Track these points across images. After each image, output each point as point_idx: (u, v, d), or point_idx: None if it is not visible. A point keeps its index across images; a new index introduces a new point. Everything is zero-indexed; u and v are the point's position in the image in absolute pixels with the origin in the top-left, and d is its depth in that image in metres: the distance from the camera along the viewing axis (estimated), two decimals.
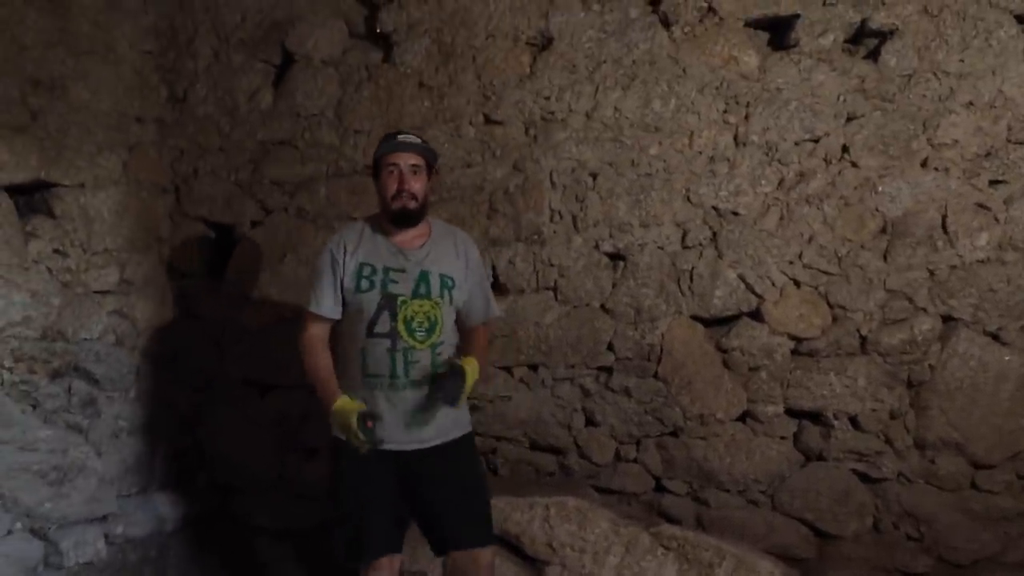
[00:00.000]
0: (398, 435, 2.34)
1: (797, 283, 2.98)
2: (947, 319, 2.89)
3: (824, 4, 2.92)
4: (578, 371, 3.17)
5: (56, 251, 3.14)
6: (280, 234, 3.53)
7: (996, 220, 2.83)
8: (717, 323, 3.09)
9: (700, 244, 3.06)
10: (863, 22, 2.90)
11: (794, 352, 3.00)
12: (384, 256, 2.39)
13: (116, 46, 3.41)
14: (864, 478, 2.96)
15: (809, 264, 2.96)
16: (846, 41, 2.96)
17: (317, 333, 2.44)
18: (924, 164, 2.87)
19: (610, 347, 3.15)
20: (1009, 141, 2.81)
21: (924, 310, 2.89)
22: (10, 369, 2.95)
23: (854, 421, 2.95)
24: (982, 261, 2.84)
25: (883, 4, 2.86)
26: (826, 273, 2.95)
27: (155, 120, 3.61)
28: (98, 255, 3.30)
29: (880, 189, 2.90)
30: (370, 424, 2.22)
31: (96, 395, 3.27)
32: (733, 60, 3.00)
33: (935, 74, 2.84)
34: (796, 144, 2.96)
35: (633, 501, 3.15)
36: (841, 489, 2.95)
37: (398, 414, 2.33)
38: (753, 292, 3.01)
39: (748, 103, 2.99)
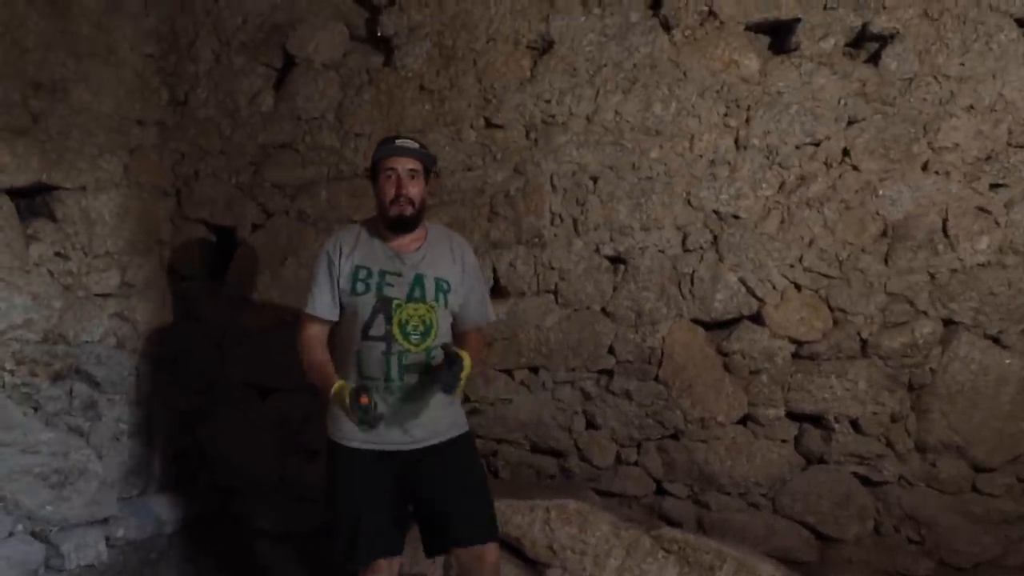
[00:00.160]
0: (394, 436, 2.34)
1: (798, 286, 2.98)
2: (948, 322, 2.89)
3: (825, 8, 2.92)
4: (579, 374, 3.18)
5: (57, 254, 3.15)
6: (281, 237, 3.53)
7: (997, 224, 2.83)
8: (718, 326, 3.09)
9: (701, 247, 3.06)
10: (864, 26, 2.90)
11: (795, 355, 3.00)
12: (380, 259, 2.38)
13: (117, 49, 3.42)
14: (865, 481, 2.96)
15: (810, 267, 2.96)
16: (847, 45, 2.96)
17: (315, 333, 2.43)
18: (925, 168, 2.87)
19: (611, 350, 3.15)
20: (1010, 145, 2.82)
21: (925, 313, 2.89)
22: (11, 372, 2.96)
23: (855, 424, 2.95)
24: (983, 265, 2.84)
25: (884, 8, 2.86)
26: (827, 276, 2.96)
27: (156, 123, 3.62)
28: (99, 258, 3.30)
29: (881, 193, 2.90)
30: (363, 400, 2.15)
31: (97, 398, 3.28)
32: (734, 64, 3.01)
33: (936, 78, 2.84)
34: (797, 148, 2.96)
35: (634, 504, 3.15)
36: (842, 492, 2.96)
37: (393, 415, 2.32)
38: (754, 295, 3.01)
39: (749, 107, 2.99)
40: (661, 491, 3.16)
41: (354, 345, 2.36)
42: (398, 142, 2.41)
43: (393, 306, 2.33)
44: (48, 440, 3.01)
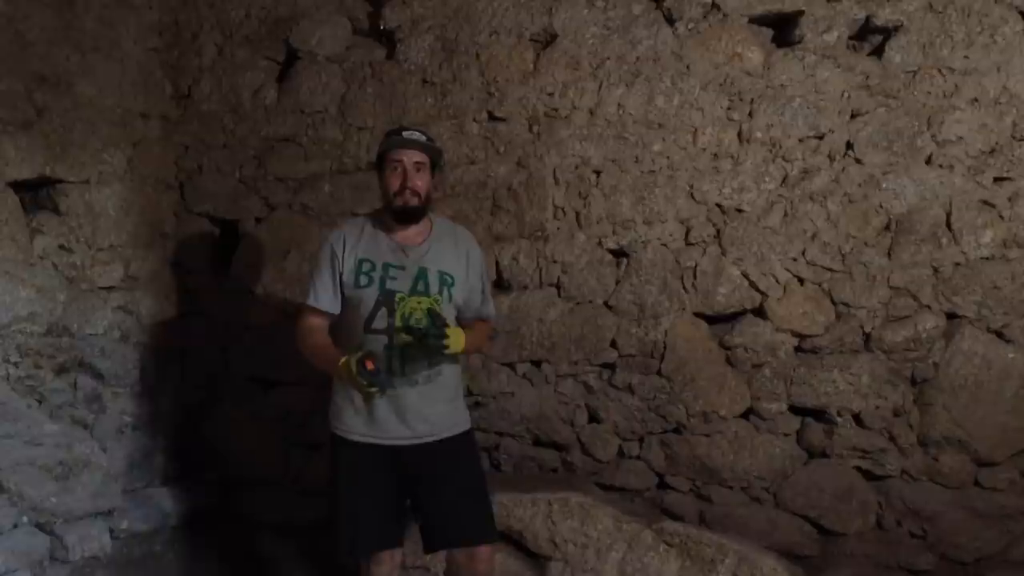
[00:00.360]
0: (396, 431, 2.34)
1: (801, 280, 2.98)
2: (951, 316, 2.88)
3: (828, 1, 2.91)
4: (581, 368, 3.18)
5: (61, 247, 3.16)
6: (284, 230, 3.53)
7: (1001, 217, 2.82)
8: (720, 320, 3.09)
9: (704, 241, 3.06)
10: (868, 18, 2.89)
11: (797, 349, 3.00)
12: (384, 252, 2.38)
13: (121, 42, 3.42)
14: (867, 475, 2.96)
15: (813, 261, 2.96)
16: (851, 37, 2.95)
17: (315, 324, 2.42)
18: (928, 161, 2.86)
19: (613, 344, 3.15)
20: (1014, 138, 2.81)
21: (928, 307, 2.88)
22: (16, 364, 2.97)
23: (857, 418, 2.94)
24: (986, 258, 2.83)
25: (888, 0, 2.85)
26: (830, 270, 2.95)
27: (160, 116, 3.62)
28: (103, 251, 3.31)
29: (884, 186, 2.89)
30: (370, 365, 2.12)
31: (101, 390, 3.29)
32: (737, 57, 3.00)
33: (940, 71, 2.83)
34: (800, 141, 2.96)
35: (636, 498, 3.15)
36: (844, 486, 2.95)
37: (395, 409, 2.33)
38: (757, 289, 3.01)
39: (752, 100, 2.99)
40: (663, 485, 3.16)
41: (356, 338, 2.35)
42: (405, 134, 2.40)
43: (396, 299, 2.32)
44: (52, 432, 3.02)
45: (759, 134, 2.98)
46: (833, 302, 2.95)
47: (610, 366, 3.16)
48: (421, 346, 2.23)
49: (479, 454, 2.60)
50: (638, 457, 3.17)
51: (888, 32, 2.89)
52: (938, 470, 2.89)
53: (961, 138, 2.82)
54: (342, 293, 2.39)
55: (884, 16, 2.87)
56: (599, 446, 3.18)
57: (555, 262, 3.18)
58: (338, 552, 2.40)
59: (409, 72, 3.34)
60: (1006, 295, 2.82)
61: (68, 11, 3.18)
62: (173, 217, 3.70)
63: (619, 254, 3.15)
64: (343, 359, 2.22)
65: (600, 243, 3.15)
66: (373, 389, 2.17)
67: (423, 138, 2.41)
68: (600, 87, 3.12)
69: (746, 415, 3.06)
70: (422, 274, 2.36)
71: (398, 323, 2.30)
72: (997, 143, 2.81)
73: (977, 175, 2.83)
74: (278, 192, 3.54)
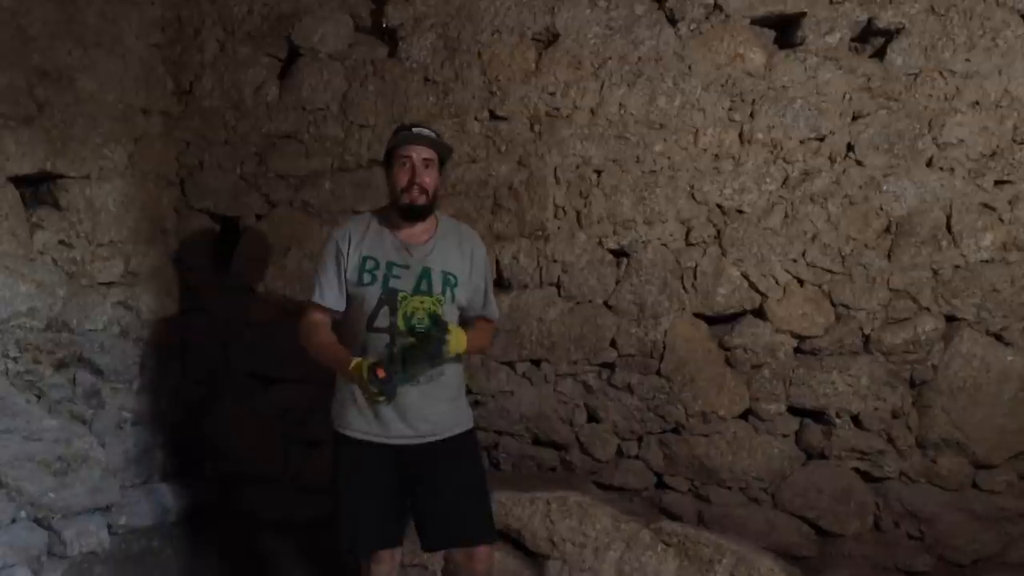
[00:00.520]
0: (397, 429, 2.34)
1: (801, 281, 2.98)
2: (950, 319, 2.88)
3: (831, 2, 2.91)
4: (581, 367, 3.18)
5: (62, 242, 3.15)
6: (284, 228, 3.53)
7: (1001, 220, 2.83)
8: (720, 321, 3.09)
9: (704, 241, 3.06)
10: (870, 20, 2.89)
11: (797, 350, 3.00)
12: (388, 251, 2.37)
13: (123, 38, 3.42)
14: (866, 477, 2.96)
15: (813, 262, 2.96)
16: (852, 39, 2.95)
17: (320, 320, 2.41)
18: (929, 163, 2.86)
19: (613, 344, 3.15)
20: (1015, 141, 2.81)
21: (927, 310, 2.89)
22: (15, 359, 2.97)
23: (856, 420, 2.95)
24: (986, 261, 2.83)
25: (890, 3, 2.86)
26: (830, 272, 2.95)
27: (161, 112, 3.62)
28: (103, 247, 3.31)
29: (885, 188, 2.89)
30: (381, 373, 2.13)
31: (100, 386, 3.29)
32: (739, 58, 3.00)
33: (941, 73, 2.84)
34: (801, 142, 2.96)
35: (634, 497, 3.16)
36: (842, 487, 2.96)
37: (397, 408, 2.32)
38: (756, 290, 3.01)
39: (754, 101, 2.99)
40: (662, 485, 3.16)
41: (359, 336, 2.35)
42: (415, 130, 2.39)
43: (399, 298, 2.32)
44: (51, 427, 3.01)
45: (760, 135, 2.99)
46: (833, 304, 2.96)
47: (609, 366, 3.16)
48: (423, 347, 2.23)
49: (481, 454, 2.60)
50: (637, 457, 3.17)
51: (890, 34, 2.89)
52: (936, 472, 2.90)
53: (962, 141, 2.83)
54: (346, 290, 2.39)
55: (886, 18, 2.87)
56: (598, 445, 3.19)
57: (555, 261, 3.19)
58: (340, 549, 2.40)
59: (411, 70, 3.34)
60: (1005, 298, 2.83)
61: (70, 6, 3.17)
62: (174, 213, 3.69)
63: (619, 254, 3.15)
64: (355, 362, 2.21)
65: (600, 243, 3.15)
66: (381, 398, 2.18)
67: (432, 134, 2.41)
68: (602, 87, 3.12)
69: (745, 416, 3.07)
70: (426, 273, 2.36)
71: (400, 323, 2.30)
72: (998, 146, 2.82)
73: (977, 178, 2.83)
74: (279, 189, 3.54)
